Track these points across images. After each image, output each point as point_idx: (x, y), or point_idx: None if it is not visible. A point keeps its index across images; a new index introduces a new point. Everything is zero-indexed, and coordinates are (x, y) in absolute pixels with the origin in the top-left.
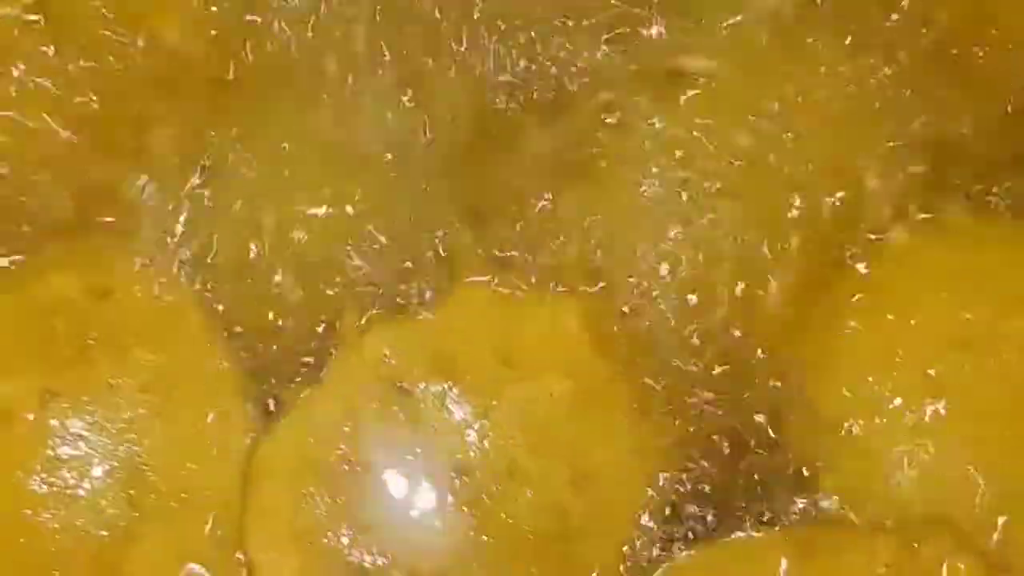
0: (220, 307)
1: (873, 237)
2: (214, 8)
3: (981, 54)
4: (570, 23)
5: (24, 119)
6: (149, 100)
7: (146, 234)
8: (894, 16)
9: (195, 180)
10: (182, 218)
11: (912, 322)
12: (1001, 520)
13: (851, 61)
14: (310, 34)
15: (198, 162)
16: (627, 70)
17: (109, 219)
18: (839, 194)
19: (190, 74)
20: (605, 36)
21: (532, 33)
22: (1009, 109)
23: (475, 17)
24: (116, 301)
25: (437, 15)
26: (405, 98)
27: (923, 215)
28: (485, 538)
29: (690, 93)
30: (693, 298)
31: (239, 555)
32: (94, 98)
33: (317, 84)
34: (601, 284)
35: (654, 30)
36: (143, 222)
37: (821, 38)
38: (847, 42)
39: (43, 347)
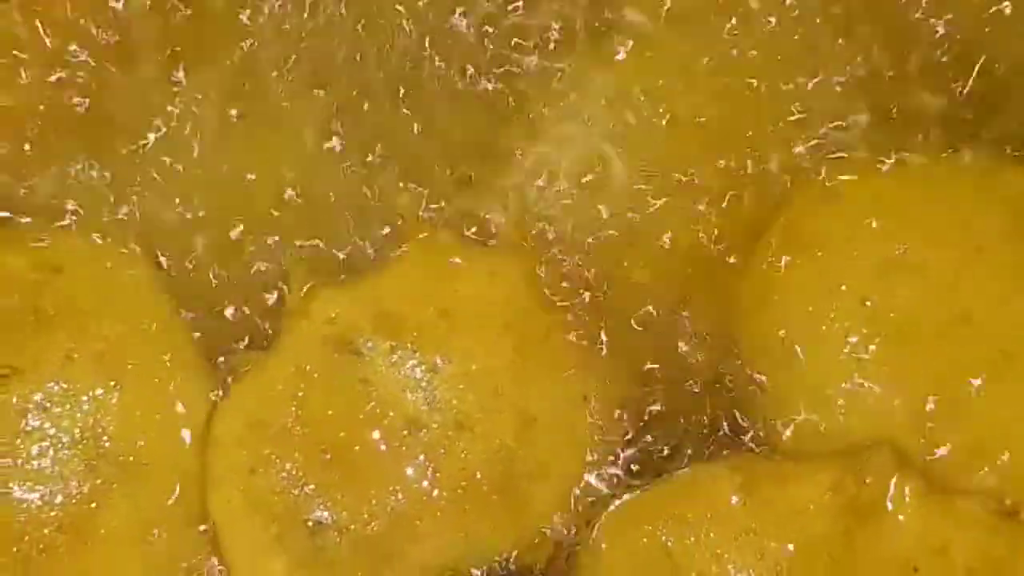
0: (173, 276)
1: (806, 177)
2: None
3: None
4: None
5: None
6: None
7: (95, 208)
8: None
9: (140, 151)
10: (129, 191)
11: (844, 255)
12: (940, 438)
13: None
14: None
15: (143, 134)
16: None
17: (55, 198)
18: (771, 139)
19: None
20: None
21: None
22: (943, 57)
23: None
24: (68, 275)
25: None
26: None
27: (852, 154)
28: (438, 490)
29: (621, 49)
30: (630, 246)
31: (200, 520)
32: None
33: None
34: (538, 236)
35: None
36: (90, 197)
37: None
38: None
39: (1, 324)
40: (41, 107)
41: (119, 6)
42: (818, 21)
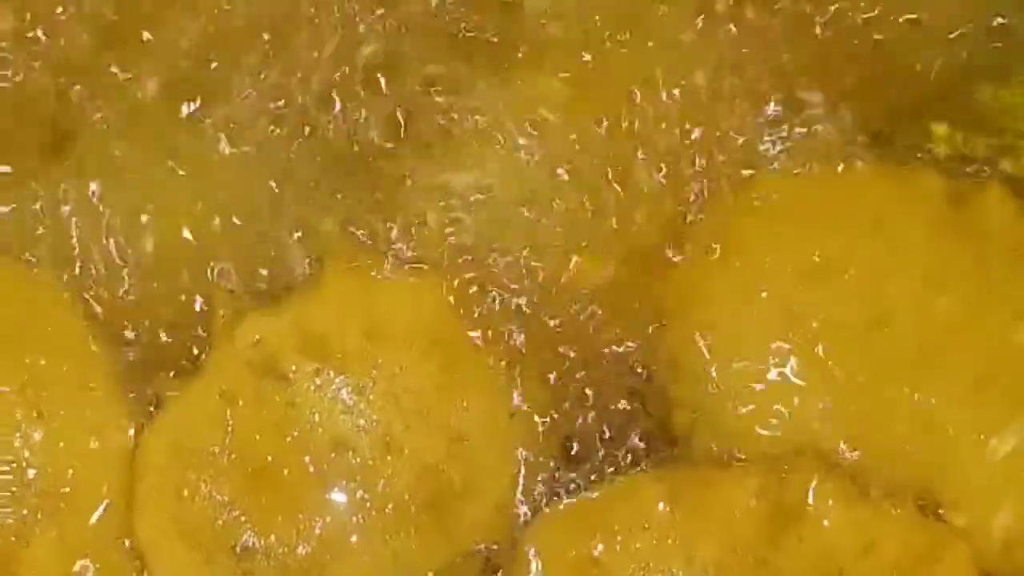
0: (97, 308)
1: (725, 185)
2: None
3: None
4: None
5: None
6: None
7: (11, 239)
8: None
9: (63, 181)
10: (51, 220)
11: (765, 262)
12: (861, 441)
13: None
14: None
15: (62, 161)
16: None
17: None
18: (695, 142)
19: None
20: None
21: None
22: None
23: None
24: None
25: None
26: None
27: (771, 163)
28: (367, 511)
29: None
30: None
31: (128, 547)
32: None
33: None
34: (457, 253)
35: None
36: (8, 226)
37: None
38: None
39: None
40: None
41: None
42: (737, 33)
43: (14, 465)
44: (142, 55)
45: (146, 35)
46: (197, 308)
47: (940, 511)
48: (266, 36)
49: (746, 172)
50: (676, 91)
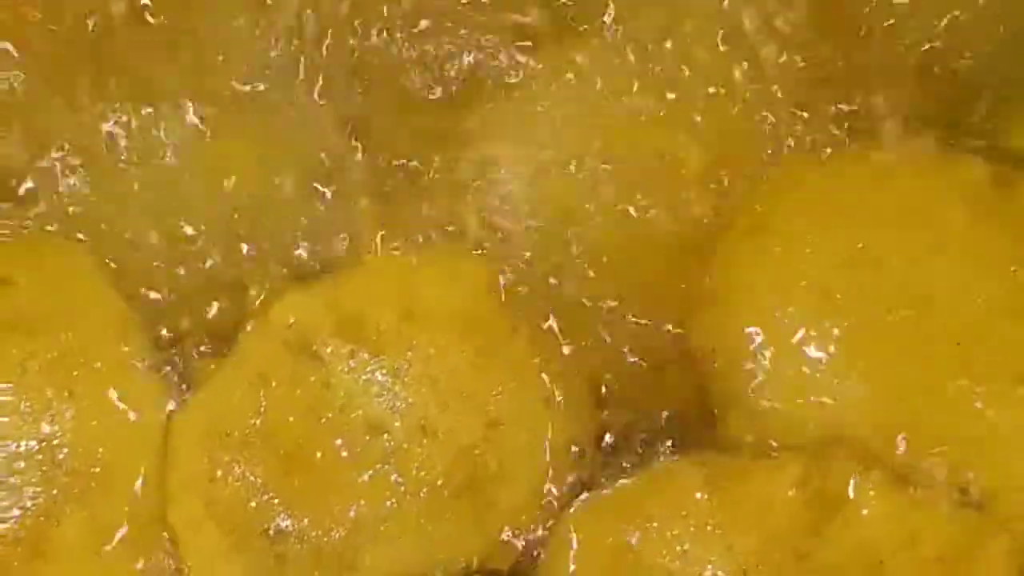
0: (128, 284)
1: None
2: None
3: None
4: None
5: None
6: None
7: (43, 215)
8: None
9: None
10: (80, 195)
11: (805, 249)
12: (902, 431)
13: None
14: None
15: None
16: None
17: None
18: (740, 127)
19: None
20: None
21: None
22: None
23: None
24: (18, 286)
25: None
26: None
27: (814, 149)
28: (401, 495)
29: (577, 55)
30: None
31: (160, 528)
32: None
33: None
34: (497, 237)
35: None
36: (39, 204)
37: None
38: None
39: None
40: None
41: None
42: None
43: (44, 444)
44: None
45: None
46: (232, 288)
47: (981, 502)
48: None
49: (792, 155)
50: (724, 75)
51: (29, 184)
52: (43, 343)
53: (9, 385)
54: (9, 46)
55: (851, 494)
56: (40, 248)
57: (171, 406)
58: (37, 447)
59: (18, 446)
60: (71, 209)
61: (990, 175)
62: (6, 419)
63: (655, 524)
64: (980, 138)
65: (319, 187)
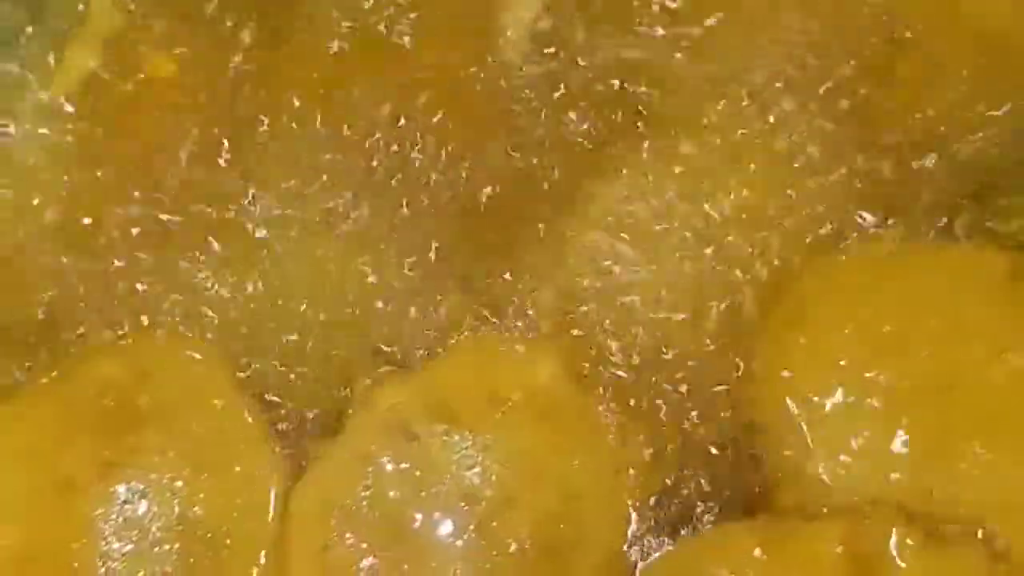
0: (250, 376)
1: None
2: None
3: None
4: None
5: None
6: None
7: (174, 313)
8: None
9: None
10: (207, 294)
11: (845, 331)
12: (934, 492)
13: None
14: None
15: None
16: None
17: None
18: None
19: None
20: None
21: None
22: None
23: None
24: (155, 379)
25: None
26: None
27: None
28: (492, 559)
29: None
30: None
31: None
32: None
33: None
34: (573, 322)
35: None
36: (171, 301)
37: None
38: None
39: (98, 424)
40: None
41: None
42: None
43: (180, 519)
44: None
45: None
46: (339, 378)
47: (1011, 556)
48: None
49: (829, 245)
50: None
51: None
52: (177, 431)
53: (148, 468)
54: None
55: (890, 551)
56: (161, 346)
57: (290, 483)
58: (176, 522)
59: (157, 521)
60: (191, 308)
61: (1009, 264)
62: (144, 500)
63: None
64: (1005, 225)
65: (412, 286)
